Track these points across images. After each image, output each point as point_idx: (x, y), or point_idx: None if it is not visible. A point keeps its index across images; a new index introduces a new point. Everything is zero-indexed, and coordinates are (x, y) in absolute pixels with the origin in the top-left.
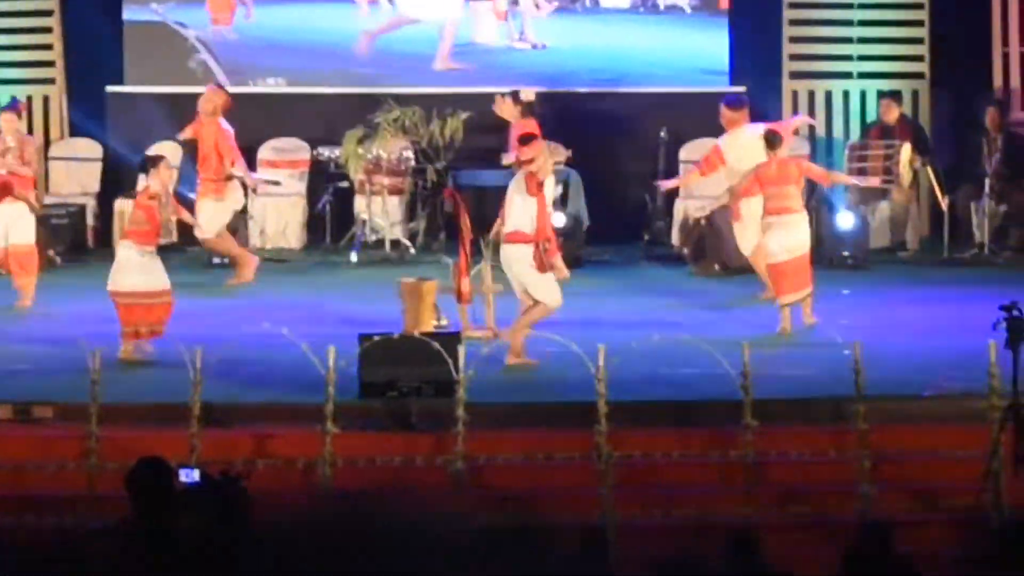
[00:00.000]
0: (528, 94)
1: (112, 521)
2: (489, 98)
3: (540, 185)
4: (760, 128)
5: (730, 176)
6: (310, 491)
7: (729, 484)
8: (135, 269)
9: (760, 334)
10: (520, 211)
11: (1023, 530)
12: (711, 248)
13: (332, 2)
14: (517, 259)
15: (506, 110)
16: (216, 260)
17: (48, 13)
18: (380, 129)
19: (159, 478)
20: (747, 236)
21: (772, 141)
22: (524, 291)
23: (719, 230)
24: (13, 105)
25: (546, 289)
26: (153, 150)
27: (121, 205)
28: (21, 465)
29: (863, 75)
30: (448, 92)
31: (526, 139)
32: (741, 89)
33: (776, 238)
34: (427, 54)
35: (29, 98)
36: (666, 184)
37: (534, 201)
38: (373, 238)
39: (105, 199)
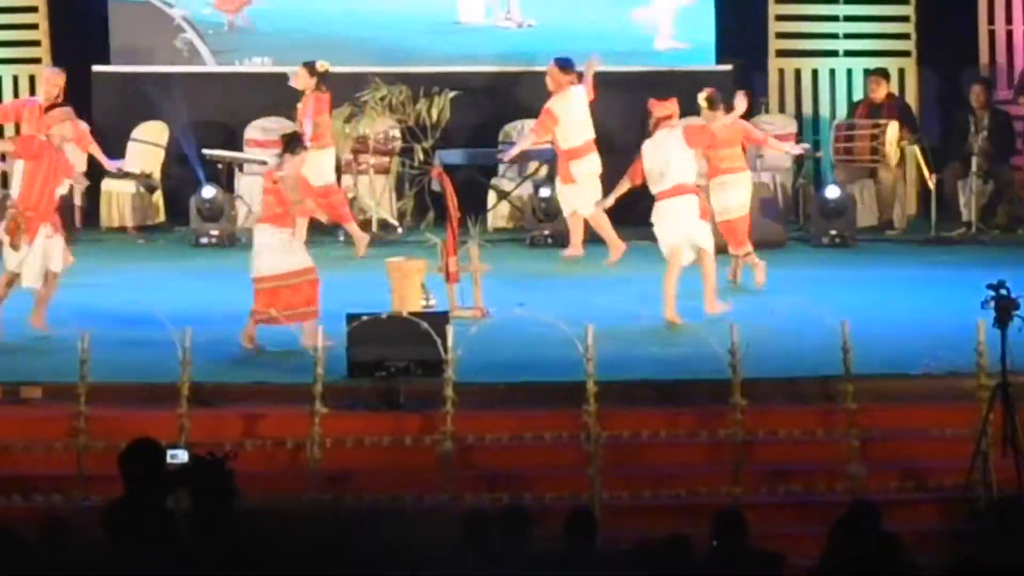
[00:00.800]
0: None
1: (103, 501)
2: (477, 76)
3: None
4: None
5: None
6: (298, 471)
7: (717, 464)
8: (276, 252)
9: (748, 313)
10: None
11: (1010, 509)
12: None
13: None
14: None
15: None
16: (203, 240)
17: None
18: (367, 108)
19: (151, 459)
20: (584, 196)
21: (713, 102)
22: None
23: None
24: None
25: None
26: (141, 130)
27: (108, 185)
28: (9, 445)
29: (849, 53)
30: (435, 71)
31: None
32: (727, 68)
33: (732, 194)
34: (413, 31)
35: (16, 77)
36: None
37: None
38: (360, 217)
39: (92, 179)
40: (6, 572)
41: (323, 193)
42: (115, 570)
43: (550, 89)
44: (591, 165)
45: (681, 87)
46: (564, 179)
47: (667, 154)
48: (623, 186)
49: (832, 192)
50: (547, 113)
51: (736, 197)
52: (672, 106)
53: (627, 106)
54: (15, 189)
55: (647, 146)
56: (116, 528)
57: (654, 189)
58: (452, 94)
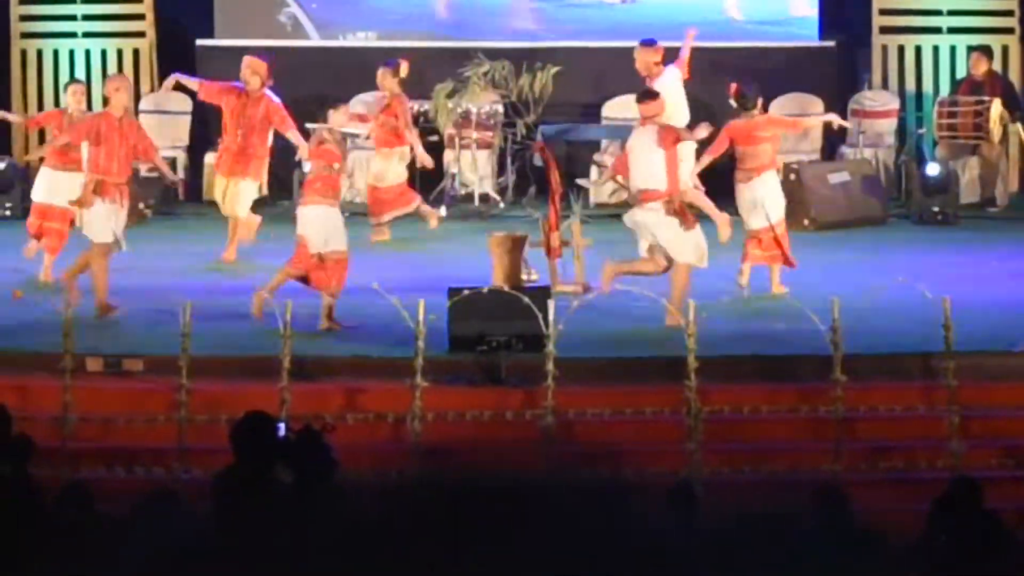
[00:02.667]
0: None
1: (204, 473)
2: (579, 51)
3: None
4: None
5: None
6: (399, 445)
7: (818, 440)
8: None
9: (849, 290)
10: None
11: None
12: (800, 203)
13: None
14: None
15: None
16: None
17: None
18: (469, 83)
19: (263, 431)
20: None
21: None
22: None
23: (808, 185)
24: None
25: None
26: None
27: (211, 158)
28: (112, 418)
29: (952, 30)
30: (538, 46)
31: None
32: (830, 44)
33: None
34: (517, 6)
35: (121, 52)
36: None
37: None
38: (462, 192)
39: (195, 153)
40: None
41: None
42: (220, 540)
43: (642, 74)
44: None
45: (784, 64)
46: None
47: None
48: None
49: (934, 169)
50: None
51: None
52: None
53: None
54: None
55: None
56: (225, 497)
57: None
58: (555, 69)
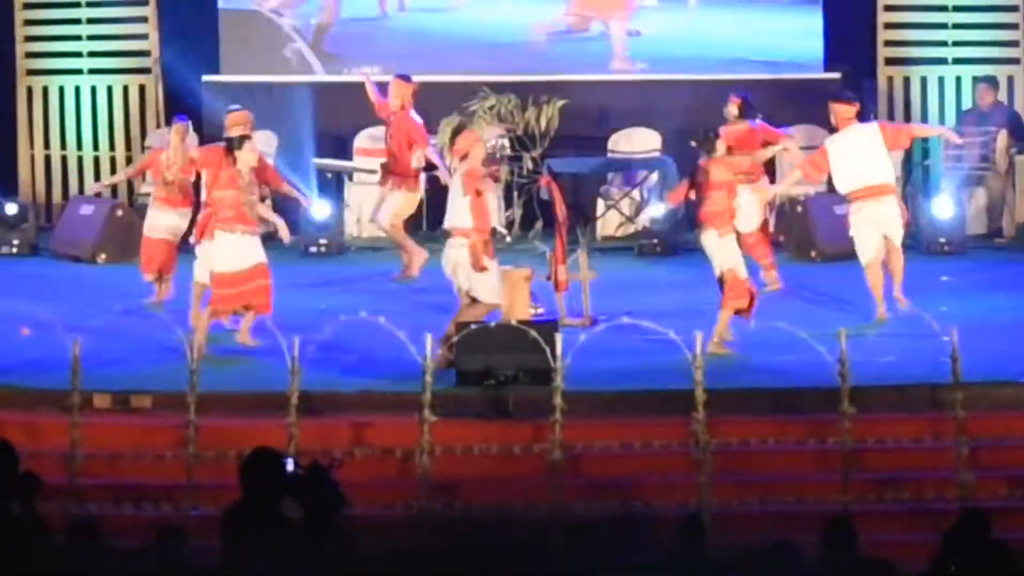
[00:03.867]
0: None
1: (212, 510)
2: (585, 85)
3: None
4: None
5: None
6: (408, 479)
7: (826, 471)
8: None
9: (858, 321)
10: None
11: None
12: (807, 235)
13: None
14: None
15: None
16: (312, 249)
17: (144, 2)
18: (476, 117)
19: (271, 467)
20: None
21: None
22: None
23: (814, 217)
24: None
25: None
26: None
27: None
28: (120, 454)
29: (958, 61)
30: (543, 80)
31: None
32: (835, 76)
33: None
34: (520, 41)
35: (126, 88)
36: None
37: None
38: None
39: (200, 188)
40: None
41: None
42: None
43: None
44: None
45: (790, 96)
46: None
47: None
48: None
49: (941, 200)
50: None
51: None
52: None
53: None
54: None
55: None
56: (233, 533)
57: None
58: (561, 103)
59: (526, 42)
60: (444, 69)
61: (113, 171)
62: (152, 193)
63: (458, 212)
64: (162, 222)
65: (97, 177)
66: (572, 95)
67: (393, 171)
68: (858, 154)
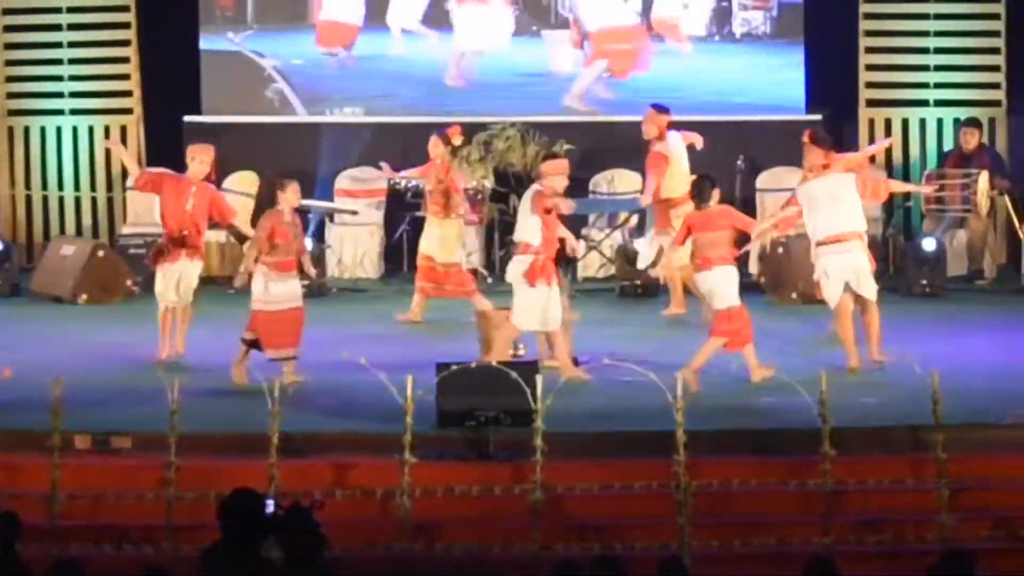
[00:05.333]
0: None
1: (193, 551)
2: (563, 127)
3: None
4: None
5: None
6: (388, 521)
7: (807, 513)
8: None
9: (838, 363)
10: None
11: None
12: (787, 276)
13: (407, 33)
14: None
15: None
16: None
17: (125, 43)
18: (458, 159)
19: (250, 508)
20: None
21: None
22: None
23: (796, 258)
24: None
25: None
26: (232, 180)
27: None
28: (100, 495)
29: (940, 102)
30: (525, 120)
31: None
32: (817, 118)
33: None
34: (504, 80)
35: (108, 128)
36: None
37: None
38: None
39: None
40: None
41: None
42: None
43: (649, 136)
44: None
45: (771, 137)
46: (663, 229)
47: None
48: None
49: (924, 242)
50: (658, 155)
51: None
52: None
53: (715, 156)
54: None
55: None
56: (212, 573)
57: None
58: (567, 146)
59: (507, 85)
60: (425, 111)
61: (94, 212)
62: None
63: (527, 228)
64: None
65: (78, 218)
66: (555, 136)
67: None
68: (829, 202)
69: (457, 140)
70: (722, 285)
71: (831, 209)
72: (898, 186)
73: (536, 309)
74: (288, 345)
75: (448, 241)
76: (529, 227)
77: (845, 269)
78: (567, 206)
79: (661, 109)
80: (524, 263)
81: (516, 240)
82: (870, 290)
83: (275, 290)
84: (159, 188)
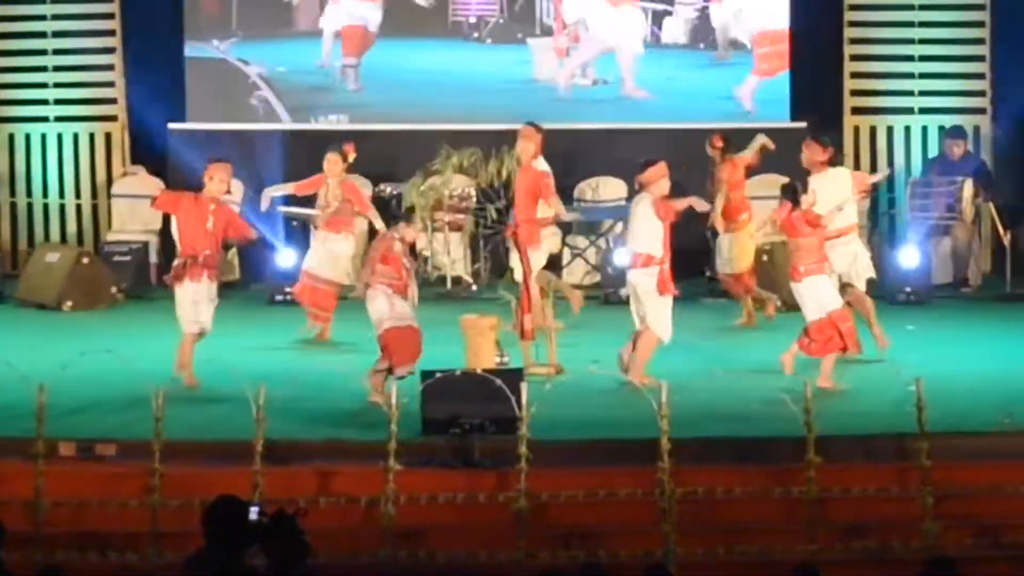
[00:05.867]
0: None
1: (177, 558)
2: (551, 134)
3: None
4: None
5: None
6: (372, 528)
7: (792, 520)
8: None
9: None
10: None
11: None
12: (772, 284)
13: (391, 39)
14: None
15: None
16: (279, 297)
17: (111, 51)
18: (443, 166)
19: (234, 515)
20: None
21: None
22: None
23: (780, 266)
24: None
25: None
26: None
27: None
28: (84, 502)
29: (924, 110)
30: (509, 128)
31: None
32: (802, 125)
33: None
34: (488, 89)
35: (92, 135)
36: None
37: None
38: (435, 275)
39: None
40: None
41: None
42: None
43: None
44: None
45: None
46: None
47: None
48: None
49: (908, 249)
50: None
51: None
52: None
53: (698, 161)
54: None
55: None
56: None
57: None
58: None
59: (493, 92)
60: (409, 118)
61: (79, 219)
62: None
63: (648, 239)
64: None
65: (63, 225)
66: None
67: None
68: (832, 197)
69: (351, 157)
70: (801, 298)
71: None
72: (872, 177)
73: (670, 317)
74: (410, 362)
75: (340, 260)
76: (649, 237)
77: (847, 259)
78: (700, 204)
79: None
80: (652, 275)
81: (636, 252)
82: (861, 278)
83: (399, 308)
84: (176, 208)
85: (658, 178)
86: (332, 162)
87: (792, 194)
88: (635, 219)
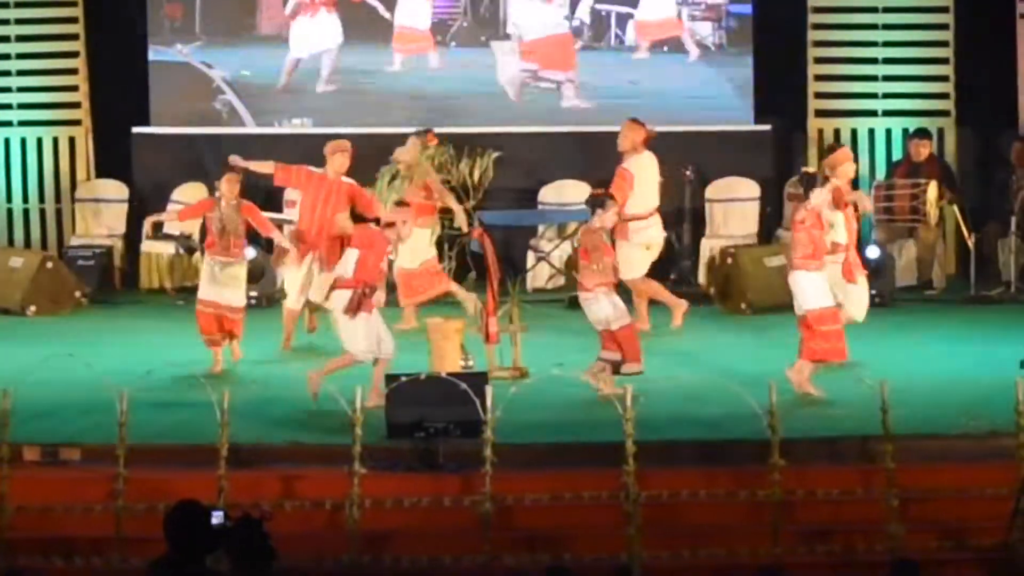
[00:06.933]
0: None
1: (142, 563)
2: (515, 137)
3: None
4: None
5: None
6: (337, 532)
7: (756, 523)
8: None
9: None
10: None
11: None
12: (737, 286)
13: (358, 42)
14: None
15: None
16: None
17: (74, 54)
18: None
19: (195, 520)
20: (631, 263)
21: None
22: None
23: (745, 269)
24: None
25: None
26: (180, 191)
27: (147, 247)
28: (49, 507)
29: (888, 113)
30: (476, 132)
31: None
32: (766, 128)
33: None
34: (456, 92)
35: (56, 139)
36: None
37: None
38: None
39: (131, 240)
40: None
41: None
42: None
43: (623, 149)
44: (652, 234)
45: (719, 147)
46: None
47: None
48: None
49: (872, 252)
50: (622, 172)
51: None
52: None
53: (664, 166)
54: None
55: None
56: None
57: None
58: (495, 155)
59: (459, 95)
60: (378, 122)
61: (43, 223)
62: None
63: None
64: None
65: (27, 229)
66: (504, 147)
67: None
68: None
69: (433, 142)
70: (793, 288)
71: None
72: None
73: (863, 300)
74: (640, 359)
75: (240, 282)
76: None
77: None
78: (862, 201)
79: (638, 122)
80: (837, 263)
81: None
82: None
83: (621, 306)
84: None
85: (843, 161)
86: (230, 182)
87: (808, 185)
88: None
